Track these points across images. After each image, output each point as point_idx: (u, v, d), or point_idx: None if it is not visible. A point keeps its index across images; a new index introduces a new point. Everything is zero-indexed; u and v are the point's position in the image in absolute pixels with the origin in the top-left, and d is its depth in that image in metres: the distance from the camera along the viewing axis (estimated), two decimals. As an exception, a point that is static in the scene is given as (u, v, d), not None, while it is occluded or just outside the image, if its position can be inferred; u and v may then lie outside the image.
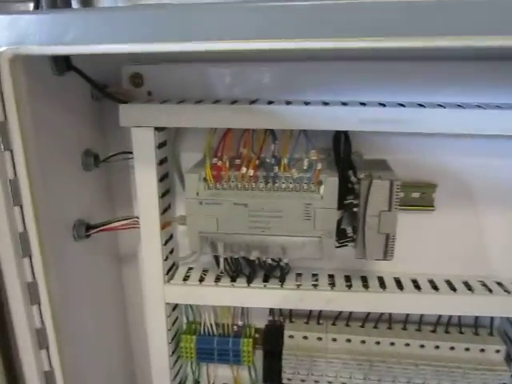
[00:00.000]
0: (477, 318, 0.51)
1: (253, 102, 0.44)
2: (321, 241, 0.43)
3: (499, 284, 0.48)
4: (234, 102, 0.44)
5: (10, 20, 0.33)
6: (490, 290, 0.47)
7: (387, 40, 0.29)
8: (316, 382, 0.52)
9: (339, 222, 0.44)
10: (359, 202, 0.42)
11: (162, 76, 0.47)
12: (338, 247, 0.46)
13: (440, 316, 0.51)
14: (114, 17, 0.33)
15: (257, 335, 0.54)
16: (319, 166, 0.42)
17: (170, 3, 0.33)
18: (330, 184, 0.42)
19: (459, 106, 0.42)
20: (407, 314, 0.51)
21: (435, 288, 0.48)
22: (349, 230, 0.45)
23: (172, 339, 0.53)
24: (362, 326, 0.52)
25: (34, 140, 0.37)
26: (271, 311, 0.54)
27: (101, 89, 0.45)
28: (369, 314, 0.51)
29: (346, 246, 0.45)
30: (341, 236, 0.45)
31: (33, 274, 0.40)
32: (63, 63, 0.40)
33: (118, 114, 0.43)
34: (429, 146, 0.47)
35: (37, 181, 0.38)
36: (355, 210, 0.42)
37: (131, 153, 0.46)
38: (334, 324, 0.52)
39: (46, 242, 0.40)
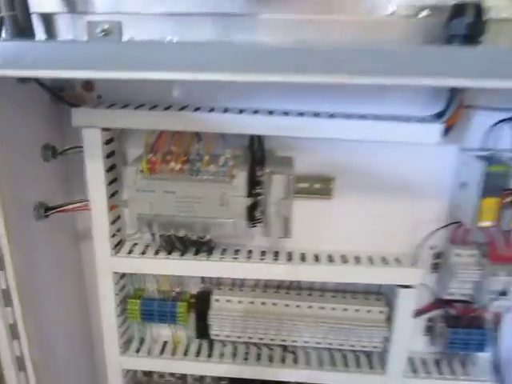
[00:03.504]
0: (367, 285, 0.63)
1: (183, 107, 0.55)
2: (234, 222, 0.54)
3: (383, 258, 0.60)
4: (167, 108, 0.54)
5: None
6: (375, 263, 0.60)
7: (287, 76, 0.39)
8: (238, 337, 0.64)
9: (251, 208, 0.55)
10: (264, 191, 0.53)
11: (110, 82, 0.57)
12: (251, 227, 0.57)
13: (337, 284, 0.63)
14: (61, 47, 0.42)
15: (191, 300, 0.65)
16: (232, 163, 0.52)
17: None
18: (240, 177, 0.52)
19: (348, 116, 0.54)
20: (311, 282, 0.63)
21: (332, 261, 0.60)
22: (258, 214, 0.56)
23: (120, 302, 0.64)
24: (276, 292, 0.64)
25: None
26: (203, 280, 0.65)
27: (56, 95, 0.55)
28: (281, 282, 0.63)
29: (256, 226, 0.56)
30: (252, 218, 0.56)
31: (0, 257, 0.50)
32: (24, 75, 0.49)
33: (72, 116, 0.53)
34: (328, 146, 0.58)
35: (1, 170, 0.48)
36: (260, 198, 0.54)
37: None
38: (253, 290, 0.64)
39: (10, 221, 0.50)
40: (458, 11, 0.49)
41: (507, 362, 0.66)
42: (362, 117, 0.53)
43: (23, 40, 0.47)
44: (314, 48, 0.40)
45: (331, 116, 0.53)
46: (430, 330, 0.66)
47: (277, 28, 0.56)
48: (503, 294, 0.56)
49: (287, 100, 0.56)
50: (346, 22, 0.56)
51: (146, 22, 0.59)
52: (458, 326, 0.62)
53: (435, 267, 0.62)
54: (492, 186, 0.50)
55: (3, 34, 0.52)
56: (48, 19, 0.59)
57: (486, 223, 0.52)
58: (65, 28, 0.60)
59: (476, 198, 0.51)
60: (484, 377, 0.65)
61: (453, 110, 0.51)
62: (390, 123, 0.52)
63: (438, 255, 0.62)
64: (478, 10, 0.48)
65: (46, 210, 0.58)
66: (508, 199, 0.50)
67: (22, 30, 0.54)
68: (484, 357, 0.66)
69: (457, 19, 0.49)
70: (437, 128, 0.51)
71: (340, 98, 0.57)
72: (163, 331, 0.69)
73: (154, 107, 0.55)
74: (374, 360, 0.66)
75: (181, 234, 0.56)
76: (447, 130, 0.53)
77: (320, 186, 0.60)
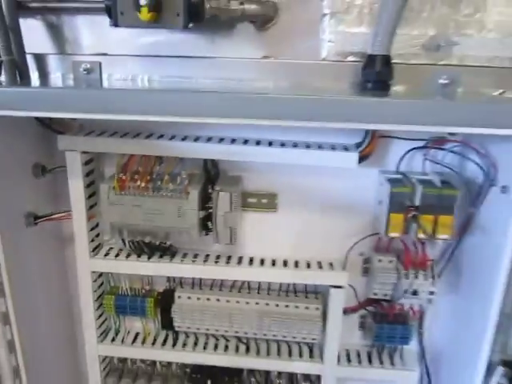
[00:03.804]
0: (306, 285, 0.74)
1: (149, 135, 0.66)
2: (188, 231, 0.65)
3: (318, 263, 0.71)
4: (136, 135, 0.66)
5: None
6: (311, 267, 0.71)
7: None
8: (198, 328, 0.75)
9: (204, 219, 0.67)
10: (213, 205, 0.65)
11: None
12: (205, 235, 0.68)
13: (281, 284, 0.74)
14: (50, 94, 0.54)
15: (158, 296, 0.76)
16: (186, 182, 0.64)
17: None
18: (193, 194, 0.64)
19: (295, 144, 0.65)
20: (259, 282, 0.74)
21: (275, 264, 0.71)
22: (210, 224, 0.67)
23: (97, 298, 0.75)
24: (230, 291, 0.75)
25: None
26: (168, 279, 0.76)
27: (46, 124, 0.67)
28: (234, 282, 0.74)
29: (208, 234, 0.68)
30: (205, 228, 0.67)
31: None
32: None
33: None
34: (272, 168, 0.69)
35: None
36: (211, 211, 0.65)
37: (67, 167, 0.67)
38: (210, 289, 0.75)
39: (3, 227, 0.62)
40: (370, 61, 0.60)
41: (431, 354, 0.76)
42: (295, 145, 0.65)
43: (19, 86, 0.58)
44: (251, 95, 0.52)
45: (282, 144, 0.65)
46: (362, 325, 0.77)
47: (225, 68, 0.68)
48: (415, 293, 0.67)
49: (248, 130, 0.67)
50: (287, 64, 0.68)
51: (122, 62, 0.71)
52: (384, 321, 0.73)
53: (365, 271, 0.73)
54: (397, 204, 0.62)
55: (3, 77, 0.64)
56: (40, 59, 0.72)
57: (395, 234, 0.63)
58: (54, 66, 0.73)
59: (386, 213, 0.63)
60: (410, 367, 0.75)
61: (367, 142, 0.63)
62: (316, 150, 0.63)
63: (366, 261, 0.73)
64: (387, 60, 0.60)
65: (35, 218, 0.69)
66: (410, 214, 0.61)
67: (20, 70, 0.66)
68: (411, 349, 0.77)
69: (368, 68, 0.60)
70: (354, 156, 0.62)
71: (290, 129, 0.68)
72: (135, 323, 0.80)
73: (124, 134, 0.66)
74: (315, 350, 0.76)
75: (146, 240, 0.68)
76: (364, 158, 0.64)
77: (266, 201, 0.71)
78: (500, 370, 0.58)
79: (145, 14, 0.55)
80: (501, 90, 0.67)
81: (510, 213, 0.54)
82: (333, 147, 0.65)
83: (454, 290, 0.71)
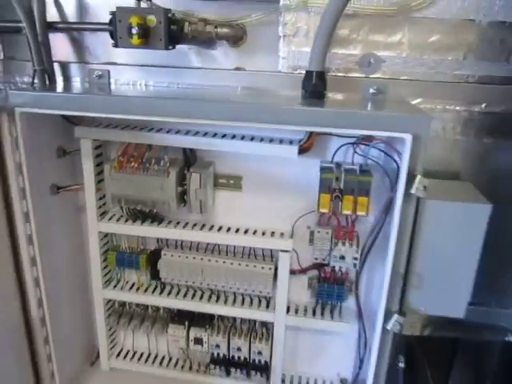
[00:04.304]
0: (262, 250, 0.93)
1: (142, 128, 0.87)
2: (168, 202, 0.86)
3: (272, 232, 0.90)
4: (133, 128, 0.86)
5: (19, 94, 0.76)
6: (266, 235, 0.90)
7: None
8: (179, 280, 0.95)
9: (181, 193, 0.87)
10: (187, 183, 0.85)
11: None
12: (183, 206, 0.89)
13: (244, 247, 0.93)
14: (70, 97, 0.75)
15: (150, 254, 0.97)
16: (168, 165, 0.84)
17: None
18: (172, 174, 0.84)
19: (242, 137, 0.84)
20: (226, 245, 0.93)
21: (238, 232, 0.90)
22: (186, 198, 0.87)
23: (103, 253, 0.97)
24: (204, 252, 0.95)
25: (28, 146, 0.80)
26: (157, 240, 0.97)
27: (66, 118, 0.88)
28: (207, 244, 0.94)
29: (185, 206, 0.88)
30: (182, 201, 0.87)
31: (27, 214, 0.83)
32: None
33: (76, 131, 0.86)
34: (238, 156, 0.88)
35: (29, 163, 0.81)
36: (186, 187, 0.85)
37: (81, 150, 0.89)
38: (189, 250, 0.95)
39: (34, 194, 0.83)
40: (307, 76, 0.78)
41: (368, 311, 0.94)
42: (252, 138, 0.84)
43: (47, 91, 0.80)
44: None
45: (242, 137, 0.84)
46: (310, 285, 0.96)
47: (205, 76, 0.88)
48: (342, 258, 0.85)
49: (220, 126, 0.85)
50: (253, 73, 0.87)
51: (125, 70, 0.92)
52: (325, 282, 0.91)
53: (311, 241, 0.92)
54: (325, 186, 0.80)
55: (36, 81, 0.86)
56: (64, 66, 0.93)
57: (324, 210, 0.81)
58: (74, 72, 0.94)
59: (318, 193, 0.81)
60: (345, 320, 0.93)
61: (306, 138, 0.81)
62: (266, 144, 0.82)
63: (311, 233, 0.91)
64: (321, 75, 0.78)
65: (57, 188, 0.91)
66: (335, 194, 0.79)
67: (49, 76, 0.88)
68: (350, 307, 0.95)
69: (307, 81, 0.78)
70: (294, 148, 0.80)
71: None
72: (132, 275, 1.01)
73: (125, 127, 0.87)
74: (271, 302, 0.95)
75: (138, 207, 0.89)
76: (306, 150, 0.82)
77: (233, 182, 0.91)
78: (395, 316, 0.76)
79: (135, 40, 0.75)
80: (419, 99, 0.85)
81: (400, 195, 0.70)
82: (281, 141, 0.83)
83: (381, 260, 0.88)
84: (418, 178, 0.67)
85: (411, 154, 0.67)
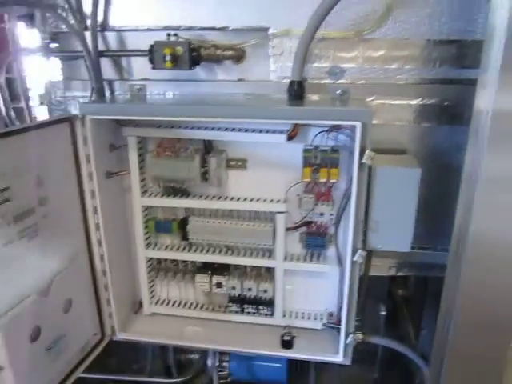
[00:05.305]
0: (264, 213, 1.25)
1: (173, 126, 1.18)
2: (195, 179, 1.18)
3: (271, 199, 1.22)
4: (166, 127, 1.18)
5: (89, 105, 1.08)
6: (267, 201, 1.22)
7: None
8: (203, 240, 1.27)
9: (204, 173, 1.19)
10: (208, 165, 1.17)
11: (140, 114, 1.22)
12: (205, 182, 1.21)
13: (250, 211, 1.25)
14: (119, 106, 1.08)
15: (180, 221, 1.29)
16: (192, 152, 1.16)
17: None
18: (196, 159, 1.16)
19: (246, 130, 1.16)
20: (238, 211, 1.25)
21: (245, 200, 1.22)
22: (207, 176, 1.19)
23: (144, 222, 1.29)
24: (222, 216, 1.27)
25: (93, 142, 1.12)
26: (185, 210, 1.29)
27: (116, 121, 1.20)
28: (223, 211, 1.26)
29: (206, 182, 1.20)
30: (204, 178, 1.19)
31: (93, 191, 1.15)
32: (103, 114, 1.15)
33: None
34: (244, 144, 1.20)
35: (94, 155, 1.13)
36: (207, 168, 1.17)
37: (127, 145, 1.21)
38: (209, 216, 1.27)
39: (99, 178, 1.15)
40: (291, 84, 1.10)
41: (343, 256, 1.26)
42: (253, 130, 1.15)
43: (101, 102, 1.12)
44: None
45: (246, 130, 1.15)
46: (301, 239, 1.27)
47: (216, 86, 1.20)
48: (322, 214, 1.17)
49: (230, 123, 1.18)
50: (252, 82, 1.19)
51: (157, 84, 1.24)
52: (311, 235, 1.23)
53: (299, 205, 1.23)
54: (307, 162, 1.12)
55: (93, 96, 1.18)
56: (110, 82, 1.26)
57: (307, 180, 1.13)
58: (118, 86, 1.27)
59: (302, 167, 1.13)
60: (328, 263, 1.25)
61: (291, 128, 1.12)
62: (262, 133, 1.14)
63: (300, 199, 1.23)
64: (300, 83, 1.10)
65: (110, 174, 1.23)
66: (314, 167, 1.11)
67: (101, 91, 1.20)
68: (332, 255, 1.27)
69: (290, 87, 1.10)
70: (283, 136, 1.12)
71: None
72: (166, 238, 1.33)
73: (159, 126, 1.19)
74: (272, 253, 1.27)
75: (171, 185, 1.21)
76: (293, 137, 1.14)
77: (241, 163, 1.22)
78: (359, 251, 1.08)
79: (168, 64, 1.07)
80: (373, 97, 1.16)
81: (356, 165, 1.02)
82: (274, 131, 1.15)
83: (352, 216, 1.20)
84: (367, 152, 0.99)
85: (361, 136, 0.98)
